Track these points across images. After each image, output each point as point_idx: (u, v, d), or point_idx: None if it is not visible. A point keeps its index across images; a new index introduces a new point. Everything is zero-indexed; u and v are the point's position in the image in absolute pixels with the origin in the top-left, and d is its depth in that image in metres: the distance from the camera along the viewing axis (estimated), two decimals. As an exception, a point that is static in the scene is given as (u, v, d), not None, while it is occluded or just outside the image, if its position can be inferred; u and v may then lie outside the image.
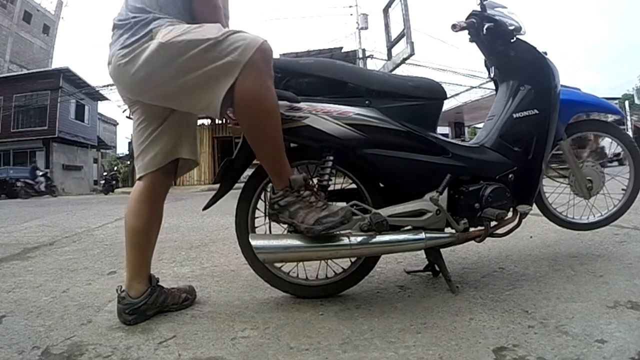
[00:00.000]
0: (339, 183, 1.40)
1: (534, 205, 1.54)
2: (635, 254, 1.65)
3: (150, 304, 1.22)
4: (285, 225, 1.32)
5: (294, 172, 1.19)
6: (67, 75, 19.49)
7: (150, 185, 1.25)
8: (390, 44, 9.07)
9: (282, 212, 1.15)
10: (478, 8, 1.52)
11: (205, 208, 1.36)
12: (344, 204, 1.28)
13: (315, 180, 1.28)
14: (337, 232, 1.26)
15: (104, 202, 8.71)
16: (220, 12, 1.21)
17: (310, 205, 1.12)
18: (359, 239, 1.23)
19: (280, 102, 1.19)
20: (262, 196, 1.36)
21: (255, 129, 1.12)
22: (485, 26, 1.47)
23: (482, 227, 1.33)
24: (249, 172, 1.36)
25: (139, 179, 1.26)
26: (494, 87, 1.67)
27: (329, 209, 1.11)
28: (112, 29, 1.18)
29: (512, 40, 1.49)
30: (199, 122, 12.16)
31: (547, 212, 1.71)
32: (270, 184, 1.23)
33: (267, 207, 1.21)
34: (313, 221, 1.09)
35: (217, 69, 1.06)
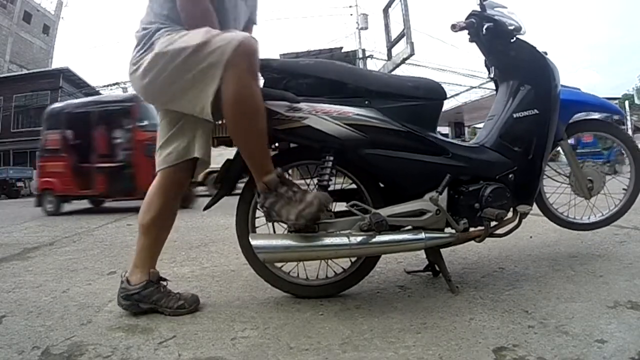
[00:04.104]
0: (339, 183, 1.41)
1: (534, 205, 1.54)
2: (635, 254, 1.65)
3: (144, 296, 1.24)
4: (286, 225, 1.32)
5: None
6: (67, 75, 19.50)
7: (163, 180, 1.29)
8: (390, 44, 9.06)
9: (270, 213, 1.18)
10: (478, 8, 1.52)
11: (205, 208, 1.36)
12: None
13: (314, 180, 1.28)
14: (337, 232, 1.26)
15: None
16: (212, 16, 1.20)
17: (290, 200, 1.14)
18: (359, 239, 1.23)
19: (280, 103, 1.19)
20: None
21: (237, 129, 1.14)
22: (485, 26, 1.47)
23: (482, 227, 1.33)
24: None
25: (156, 173, 1.31)
26: (494, 87, 1.67)
27: (304, 200, 1.13)
28: None
29: (512, 40, 1.49)
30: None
31: (548, 212, 1.71)
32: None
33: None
34: (294, 216, 1.12)
35: (202, 73, 1.11)
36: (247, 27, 1.42)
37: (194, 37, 1.12)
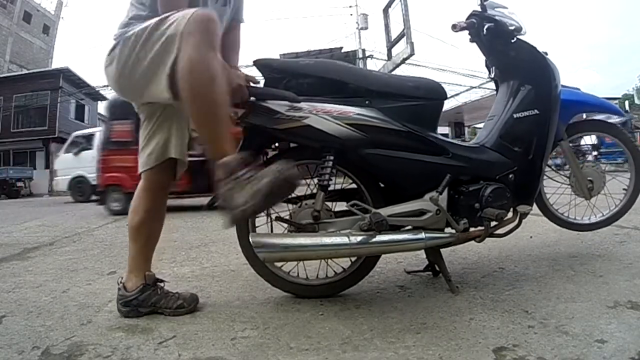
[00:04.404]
0: (339, 183, 1.41)
1: (534, 205, 1.54)
2: (635, 254, 1.65)
3: (142, 300, 1.24)
4: (286, 225, 1.32)
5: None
6: (67, 75, 19.48)
7: (147, 183, 1.29)
8: (390, 44, 9.07)
9: (230, 206, 0.99)
10: (478, 8, 1.52)
11: (206, 207, 1.36)
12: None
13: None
14: (337, 232, 1.26)
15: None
16: None
17: (247, 182, 0.98)
18: (359, 238, 1.23)
19: (281, 102, 1.19)
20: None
21: (190, 102, 1.02)
22: (486, 26, 1.47)
23: (482, 227, 1.33)
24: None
25: (140, 175, 1.31)
26: (494, 87, 1.67)
27: (260, 176, 0.97)
28: None
29: (512, 41, 1.49)
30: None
31: (548, 212, 1.71)
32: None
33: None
34: (249, 196, 0.96)
35: (161, 50, 1.06)
36: (233, 26, 1.40)
37: (156, 17, 1.10)
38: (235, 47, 1.42)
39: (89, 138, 10.16)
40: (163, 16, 1.08)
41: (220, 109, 1.04)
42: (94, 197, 9.65)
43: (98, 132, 10.24)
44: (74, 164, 9.78)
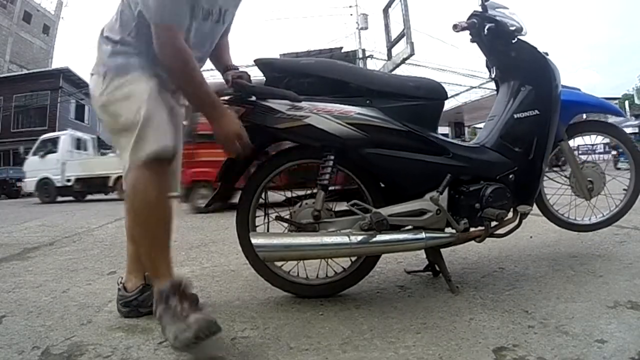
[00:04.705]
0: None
1: (534, 206, 1.54)
2: (635, 254, 1.65)
3: (142, 301, 1.24)
4: (286, 225, 1.33)
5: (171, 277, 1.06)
6: (67, 75, 19.50)
7: None
8: (390, 44, 9.08)
9: (162, 325, 1.02)
10: (479, 8, 1.52)
11: (206, 207, 1.37)
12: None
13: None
14: (338, 231, 1.26)
15: (104, 202, 8.72)
16: (185, 53, 1.10)
17: (174, 316, 0.98)
18: (360, 238, 1.23)
19: (282, 102, 1.19)
20: (263, 195, 1.36)
21: (131, 222, 1.13)
22: (487, 26, 1.47)
23: (483, 227, 1.33)
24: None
25: None
26: (494, 87, 1.67)
27: (186, 321, 0.95)
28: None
29: (513, 41, 1.49)
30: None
31: (548, 212, 1.71)
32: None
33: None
34: (172, 337, 0.96)
35: (122, 150, 1.12)
36: (223, 38, 1.38)
37: (131, 107, 1.09)
38: (226, 49, 1.43)
39: (55, 141, 10.52)
40: (134, 121, 1.07)
41: (155, 236, 1.08)
42: (60, 198, 9.94)
43: (63, 136, 10.57)
44: (40, 167, 10.16)
